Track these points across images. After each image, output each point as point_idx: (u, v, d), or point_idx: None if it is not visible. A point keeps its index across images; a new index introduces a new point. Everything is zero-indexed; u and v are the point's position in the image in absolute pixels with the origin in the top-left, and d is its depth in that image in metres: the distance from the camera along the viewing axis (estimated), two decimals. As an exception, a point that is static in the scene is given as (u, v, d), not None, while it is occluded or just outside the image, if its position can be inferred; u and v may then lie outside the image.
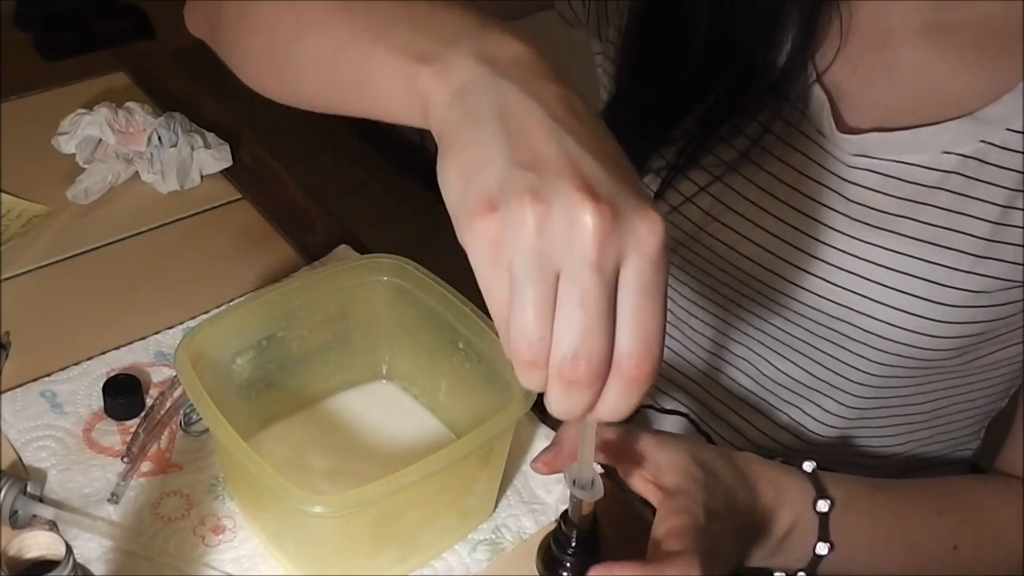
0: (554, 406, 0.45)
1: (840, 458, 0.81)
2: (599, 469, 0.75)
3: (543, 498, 0.74)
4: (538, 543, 0.63)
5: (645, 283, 0.43)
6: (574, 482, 0.55)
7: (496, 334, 0.68)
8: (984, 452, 0.85)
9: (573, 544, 0.59)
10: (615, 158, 0.45)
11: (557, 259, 0.42)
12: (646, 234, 0.42)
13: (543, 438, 0.77)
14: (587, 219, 0.41)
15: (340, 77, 0.53)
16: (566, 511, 0.59)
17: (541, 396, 0.98)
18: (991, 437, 0.84)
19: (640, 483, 0.62)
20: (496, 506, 0.73)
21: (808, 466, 0.67)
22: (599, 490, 0.56)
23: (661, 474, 0.61)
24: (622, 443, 0.62)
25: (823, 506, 0.65)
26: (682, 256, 0.77)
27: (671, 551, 0.56)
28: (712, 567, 0.57)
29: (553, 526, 0.61)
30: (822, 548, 0.65)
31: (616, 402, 0.44)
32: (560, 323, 0.42)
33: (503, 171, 0.43)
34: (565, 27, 0.84)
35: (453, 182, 0.44)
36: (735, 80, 0.71)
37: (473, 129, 0.45)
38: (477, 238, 0.43)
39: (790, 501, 0.65)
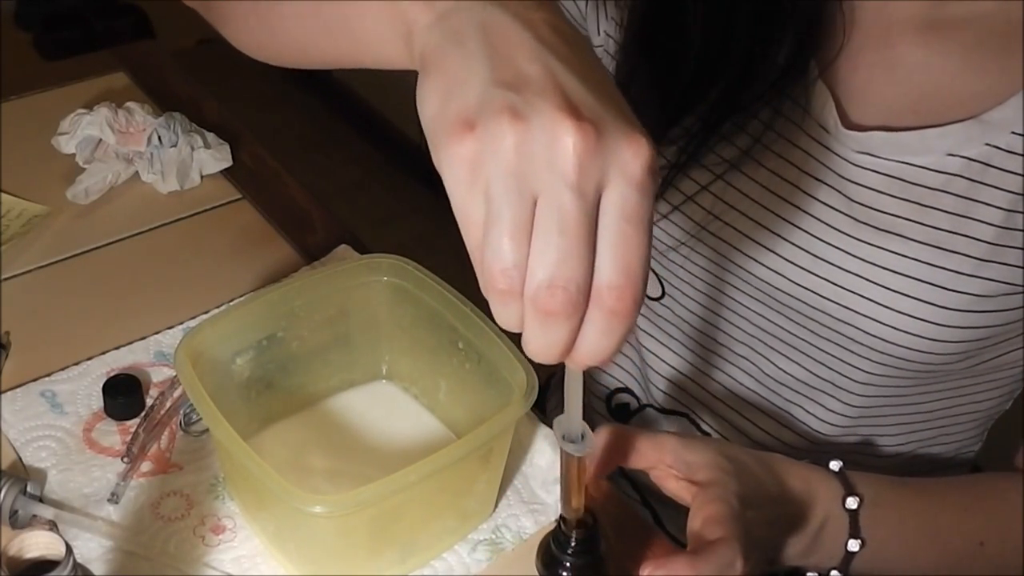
0: (531, 344, 0.43)
1: (842, 458, 0.81)
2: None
3: (543, 498, 0.74)
4: (538, 543, 0.63)
5: (628, 209, 0.40)
6: (563, 436, 0.54)
7: (496, 334, 0.69)
8: (985, 454, 0.85)
9: (573, 544, 0.59)
10: (602, 81, 0.43)
11: (536, 181, 0.40)
12: (631, 157, 0.40)
13: (543, 438, 0.77)
14: (567, 139, 0.39)
15: (326, 18, 0.52)
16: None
17: (541, 396, 0.98)
18: (993, 439, 0.84)
19: (673, 483, 0.62)
20: (496, 506, 0.73)
21: (835, 465, 0.67)
22: (589, 442, 0.54)
23: (693, 471, 0.61)
24: (650, 448, 0.62)
25: (852, 503, 0.65)
26: (684, 255, 0.77)
27: (712, 539, 0.57)
28: (750, 553, 0.57)
29: (553, 526, 0.61)
30: (853, 545, 0.65)
31: (597, 339, 0.42)
32: (536, 249, 0.40)
33: (483, 90, 0.41)
34: None
35: (431, 102, 0.43)
36: (736, 77, 0.71)
37: (455, 48, 0.43)
38: (453, 159, 0.41)
39: (820, 497, 0.65)
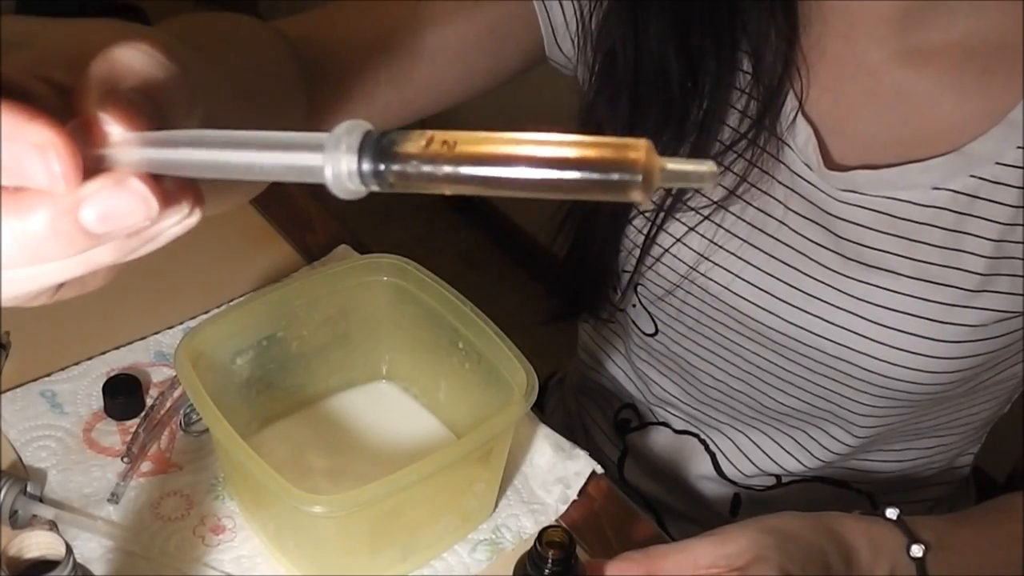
0: None
1: (844, 474, 0.81)
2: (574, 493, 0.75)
3: (543, 498, 0.74)
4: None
5: None
6: None
7: (496, 334, 0.69)
8: (984, 453, 0.85)
9: (549, 564, 0.59)
10: None
11: None
12: None
13: (543, 438, 0.77)
14: None
15: None
16: (543, 531, 0.60)
17: (541, 396, 0.97)
18: (992, 438, 0.84)
19: None
20: (496, 506, 0.73)
21: (892, 513, 0.66)
22: None
23: (735, 559, 0.60)
24: (683, 559, 0.61)
25: (917, 551, 0.64)
26: (679, 297, 0.76)
27: None
28: None
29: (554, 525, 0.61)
30: None
31: None
32: None
33: None
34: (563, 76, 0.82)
35: None
36: (712, 117, 0.70)
37: None
38: None
39: (885, 550, 0.64)
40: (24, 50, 0.33)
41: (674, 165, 0.27)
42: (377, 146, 0.29)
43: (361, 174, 0.29)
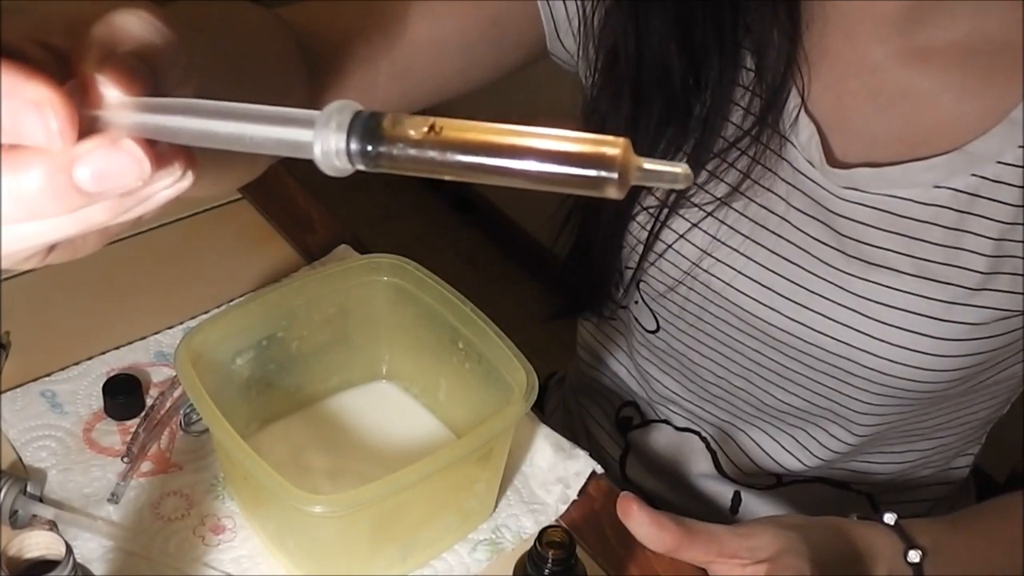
0: None
1: (844, 476, 0.81)
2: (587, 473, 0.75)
3: (543, 498, 0.74)
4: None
5: None
6: None
7: (496, 334, 0.69)
8: (984, 453, 0.85)
9: (549, 565, 0.59)
10: None
11: None
12: None
13: (543, 438, 0.77)
14: None
15: None
16: (543, 531, 0.60)
17: (541, 396, 0.97)
18: (992, 438, 0.84)
19: (739, 571, 0.61)
20: (496, 506, 0.73)
21: (889, 519, 0.66)
22: None
23: (760, 552, 0.60)
24: (707, 543, 0.61)
25: (914, 556, 0.65)
26: (681, 294, 0.76)
27: None
28: None
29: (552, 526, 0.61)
30: None
31: None
32: None
33: None
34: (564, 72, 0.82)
35: None
36: (715, 114, 0.70)
37: None
38: None
39: (882, 555, 0.65)
40: (23, 15, 0.34)
41: (650, 165, 0.28)
42: (366, 127, 0.30)
43: (348, 153, 0.30)
